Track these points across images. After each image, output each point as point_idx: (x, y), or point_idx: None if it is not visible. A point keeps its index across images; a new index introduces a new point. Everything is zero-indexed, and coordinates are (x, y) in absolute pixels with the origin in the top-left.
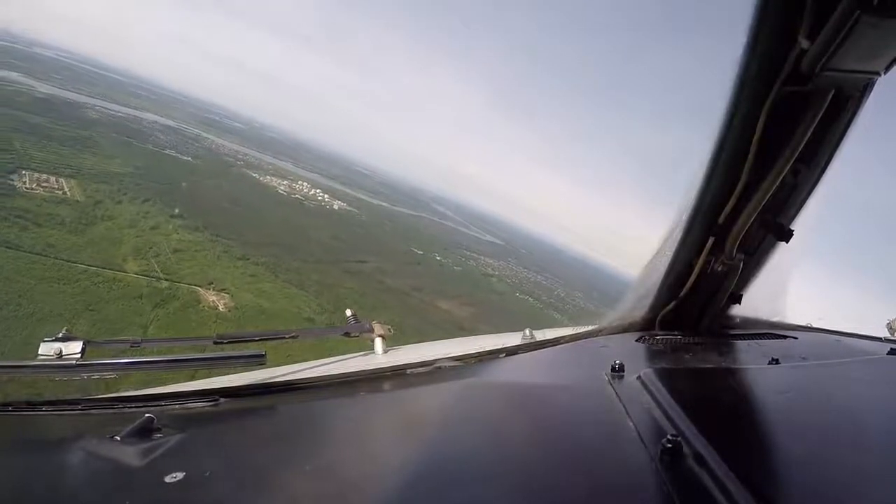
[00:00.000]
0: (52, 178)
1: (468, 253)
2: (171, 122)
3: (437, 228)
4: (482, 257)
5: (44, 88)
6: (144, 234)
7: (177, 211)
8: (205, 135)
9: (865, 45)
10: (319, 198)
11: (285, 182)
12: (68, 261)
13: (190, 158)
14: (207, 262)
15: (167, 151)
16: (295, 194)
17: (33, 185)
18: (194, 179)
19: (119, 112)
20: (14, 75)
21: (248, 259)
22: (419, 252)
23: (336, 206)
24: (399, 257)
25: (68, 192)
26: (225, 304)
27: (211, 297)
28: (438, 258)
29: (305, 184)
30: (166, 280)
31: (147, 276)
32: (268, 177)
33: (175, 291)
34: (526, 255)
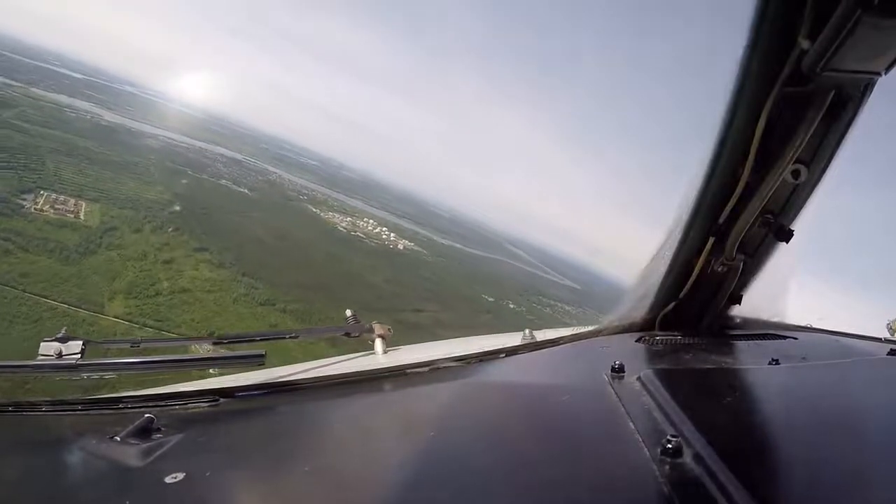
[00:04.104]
0: (72, 201)
1: (544, 299)
2: (238, 156)
3: (512, 271)
4: (559, 304)
5: (110, 117)
6: (152, 268)
7: (173, 230)
8: (272, 169)
9: (866, 46)
10: (384, 236)
11: (348, 219)
12: (37, 295)
13: (246, 190)
14: (218, 306)
15: (222, 182)
16: (356, 231)
17: (45, 207)
18: (242, 211)
19: (183, 143)
20: (85, 104)
21: (273, 304)
22: (489, 299)
23: (401, 246)
24: (465, 305)
25: (82, 216)
26: None
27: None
28: (511, 306)
29: (371, 221)
30: (151, 328)
31: (128, 322)
32: (330, 213)
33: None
34: (604, 300)
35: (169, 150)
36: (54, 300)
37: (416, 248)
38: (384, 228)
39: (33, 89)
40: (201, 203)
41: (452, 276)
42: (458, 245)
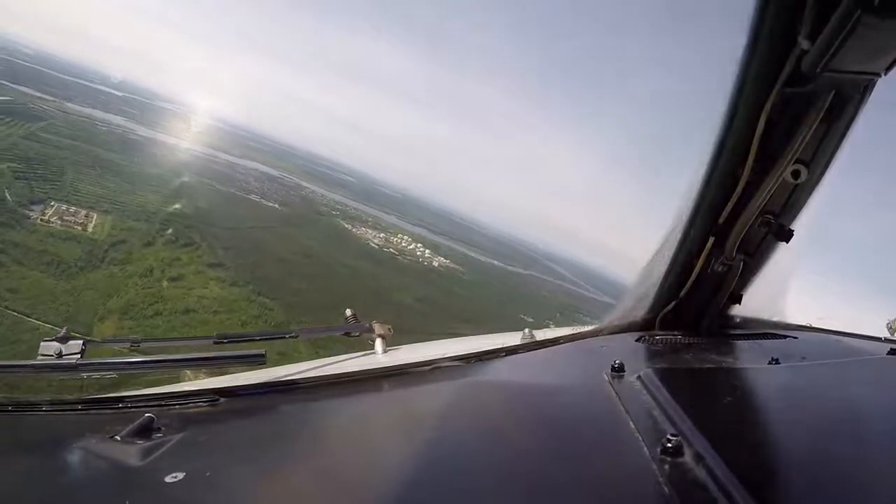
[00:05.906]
0: (82, 212)
1: (586, 318)
2: (273, 172)
3: (552, 289)
4: (597, 322)
5: (142, 132)
6: (156, 284)
7: (187, 244)
8: (306, 184)
9: (866, 46)
10: (418, 252)
11: (381, 235)
12: (19, 313)
13: (276, 205)
14: (226, 329)
15: (251, 196)
16: (389, 248)
17: (51, 218)
18: (268, 226)
19: (215, 158)
20: (118, 119)
21: (287, 327)
22: (529, 320)
23: (436, 263)
24: (501, 327)
25: (90, 229)
26: None
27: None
28: (553, 327)
29: (405, 237)
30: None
31: (115, 347)
32: (362, 228)
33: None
34: None
35: (198, 165)
36: (37, 319)
37: (451, 265)
38: (419, 245)
39: (67, 104)
40: (223, 217)
41: (489, 294)
42: (496, 262)
